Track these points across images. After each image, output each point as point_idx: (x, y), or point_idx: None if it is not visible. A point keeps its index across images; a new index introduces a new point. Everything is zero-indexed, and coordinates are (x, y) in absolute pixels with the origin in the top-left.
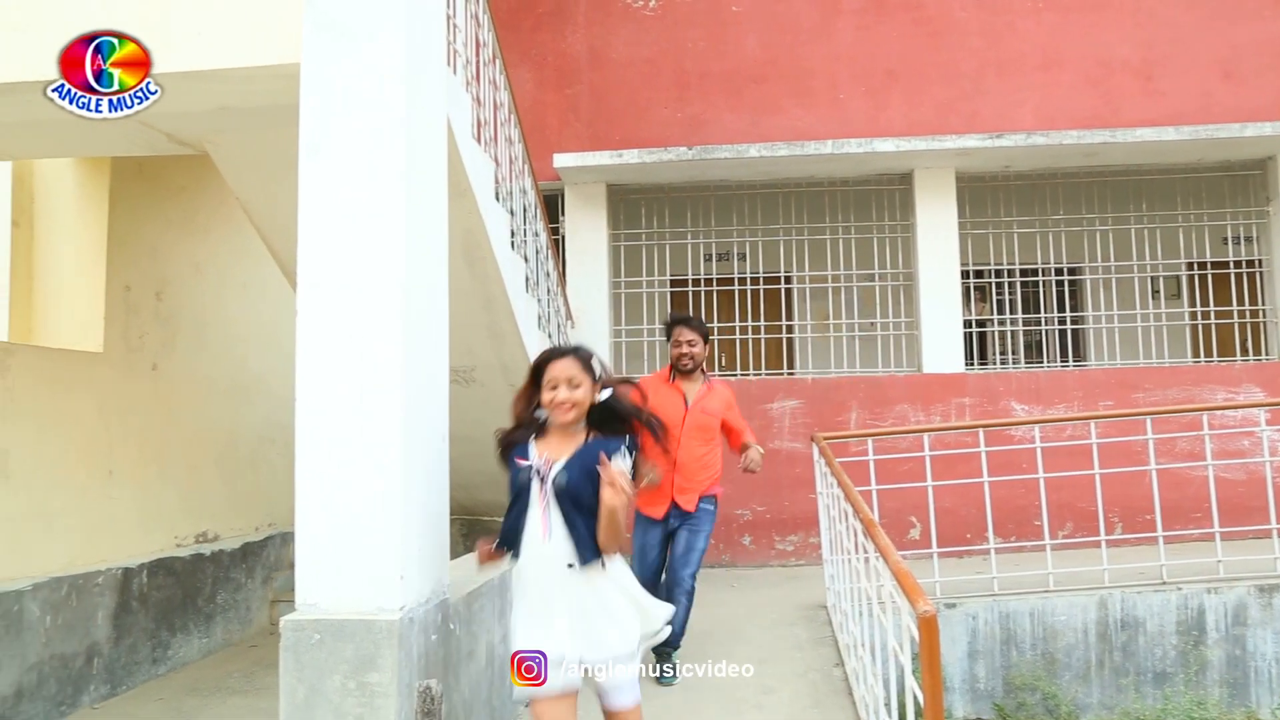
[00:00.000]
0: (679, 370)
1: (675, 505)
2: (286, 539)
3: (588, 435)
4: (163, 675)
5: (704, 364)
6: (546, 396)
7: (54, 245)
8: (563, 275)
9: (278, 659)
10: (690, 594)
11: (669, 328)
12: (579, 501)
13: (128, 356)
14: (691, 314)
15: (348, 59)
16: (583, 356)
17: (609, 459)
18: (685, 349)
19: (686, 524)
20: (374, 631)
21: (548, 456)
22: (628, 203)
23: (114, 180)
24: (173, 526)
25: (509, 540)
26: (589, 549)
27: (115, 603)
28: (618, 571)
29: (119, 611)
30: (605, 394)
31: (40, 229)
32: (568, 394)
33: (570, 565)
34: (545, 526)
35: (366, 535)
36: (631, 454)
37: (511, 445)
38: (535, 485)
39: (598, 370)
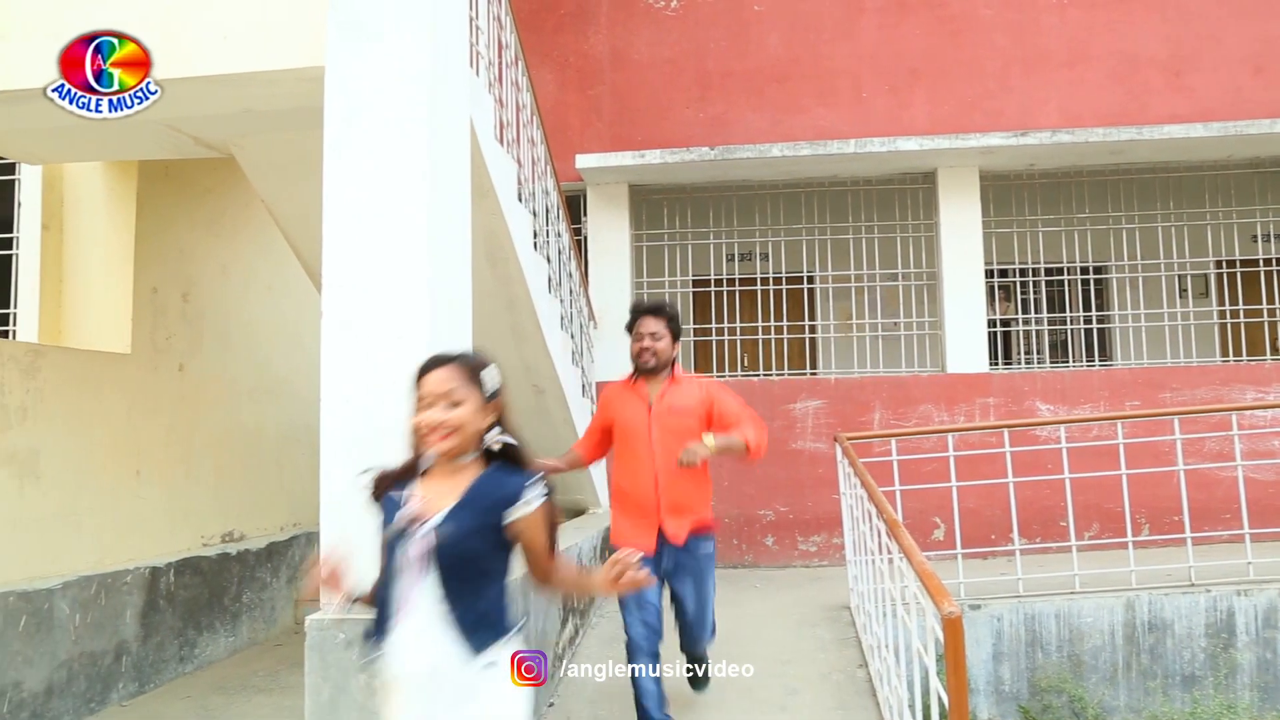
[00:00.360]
0: (640, 370)
1: (663, 536)
2: (311, 539)
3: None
4: (189, 673)
5: (673, 363)
6: (416, 418)
7: (83, 248)
8: (585, 276)
9: (303, 658)
10: (714, 632)
11: (631, 318)
12: (466, 563)
13: (155, 357)
14: (665, 302)
15: (371, 60)
16: (468, 366)
17: (513, 502)
18: (647, 342)
19: (689, 573)
20: None
21: (423, 500)
22: (650, 203)
23: (141, 183)
24: (199, 526)
25: (380, 620)
26: (476, 635)
27: (143, 601)
28: (506, 688)
29: (147, 610)
30: (497, 435)
31: (69, 232)
32: (441, 415)
33: (442, 664)
34: (411, 597)
35: None
36: (544, 489)
37: (387, 486)
38: (408, 540)
39: (490, 385)
